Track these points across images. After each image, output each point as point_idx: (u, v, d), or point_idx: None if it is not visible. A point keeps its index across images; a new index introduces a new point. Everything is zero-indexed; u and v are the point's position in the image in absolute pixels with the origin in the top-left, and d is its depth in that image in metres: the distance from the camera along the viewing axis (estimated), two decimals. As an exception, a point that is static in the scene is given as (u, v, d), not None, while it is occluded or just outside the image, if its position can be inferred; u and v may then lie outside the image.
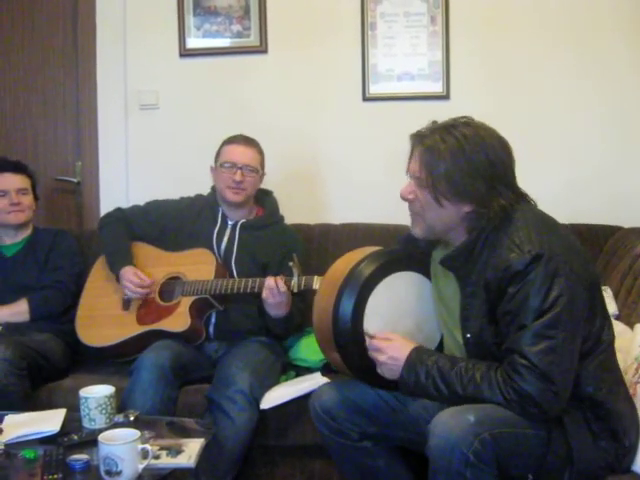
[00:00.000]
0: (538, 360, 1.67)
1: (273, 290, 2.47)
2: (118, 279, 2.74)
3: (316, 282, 2.45)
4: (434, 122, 1.89)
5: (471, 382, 1.75)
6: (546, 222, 1.86)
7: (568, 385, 1.73)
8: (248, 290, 2.55)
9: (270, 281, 2.49)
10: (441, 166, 1.79)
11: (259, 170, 2.78)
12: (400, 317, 2.02)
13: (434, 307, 2.06)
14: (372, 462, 2.07)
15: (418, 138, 1.87)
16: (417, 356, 1.85)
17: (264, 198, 2.91)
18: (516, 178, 1.87)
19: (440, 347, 2.06)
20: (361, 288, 1.96)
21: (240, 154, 2.74)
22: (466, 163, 1.78)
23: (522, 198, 1.87)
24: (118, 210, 2.94)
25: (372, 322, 1.97)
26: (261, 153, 2.81)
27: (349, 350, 1.97)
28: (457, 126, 1.83)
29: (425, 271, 2.07)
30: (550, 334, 1.68)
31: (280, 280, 2.48)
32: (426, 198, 1.84)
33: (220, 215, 2.81)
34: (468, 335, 1.86)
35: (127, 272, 2.71)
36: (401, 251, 2.12)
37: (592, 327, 1.80)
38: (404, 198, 1.91)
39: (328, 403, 2.06)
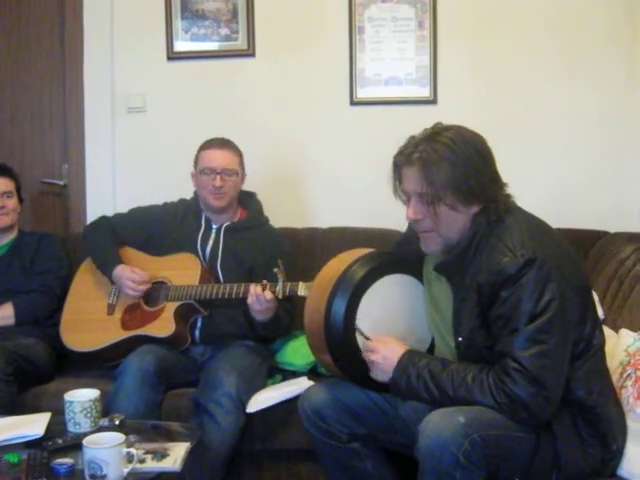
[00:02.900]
0: (530, 364, 1.68)
1: (259, 297, 2.46)
2: (112, 280, 2.72)
3: (301, 289, 2.44)
4: (412, 137, 1.86)
5: (462, 384, 1.75)
6: (539, 226, 1.87)
7: (559, 390, 1.73)
8: (233, 296, 2.55)
9: (255, 288, 2.48)
10: (442, 175, 1.77)
11: (238, 172, 2.77)
12: (392, 319, 2.02)
13: (426, 311, 2.06)
14: (360, 464, 2.06)
15: (404, 157, 1.84)
16: (409, 358, 1.86)
17: (247, 200, 2.90)
18: None
19: (431, 350, 2.06)
20: (354, 290, 1.96)
21: (217, 159, 2.72)
22: (463, 164, 1.77)
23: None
24: (102, 218, 2.92)
25: (364, 324, 1.97)
26: (238, 154, 2.79)
27: (341, 352, 1.97)
28: (439, 133, 1.82)
29: (418, 274, 2.07)
30: (542, 338, 1.69)
31: (265, 287, 2.47)
32: (437, 211, 1.80)
33: (204, 219, 2.80)
34: (460, 339, 1.86)
35: (123, 270, 2.69)
36: (394, 253, 2.12)
37: (583, 331, 1.81)
38: (413, 220, 1.88)
39: (318, 403, 2.05)
